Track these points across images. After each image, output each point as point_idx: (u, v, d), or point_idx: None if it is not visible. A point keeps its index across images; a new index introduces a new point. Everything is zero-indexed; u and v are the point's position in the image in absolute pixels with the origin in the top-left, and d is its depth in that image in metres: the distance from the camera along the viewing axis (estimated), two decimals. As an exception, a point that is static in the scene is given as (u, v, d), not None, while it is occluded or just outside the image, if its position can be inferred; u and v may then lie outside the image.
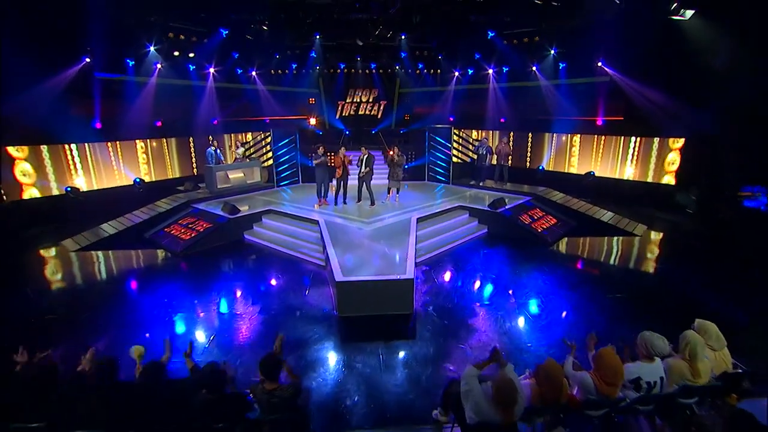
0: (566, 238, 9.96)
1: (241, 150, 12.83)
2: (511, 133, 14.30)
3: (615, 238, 9.87)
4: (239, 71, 14.57)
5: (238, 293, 7.11)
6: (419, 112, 17.41)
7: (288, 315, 6.35)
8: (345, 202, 11.17)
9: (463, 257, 8.72)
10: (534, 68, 13.46)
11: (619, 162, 12.57)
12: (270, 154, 13.71)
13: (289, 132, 13.34)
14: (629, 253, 9.09)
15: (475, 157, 13.15)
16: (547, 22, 11.12)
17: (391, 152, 10.95)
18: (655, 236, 9.93)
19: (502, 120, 14.97)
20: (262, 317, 6.26)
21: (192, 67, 12.98)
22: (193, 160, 13.80)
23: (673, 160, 11.72)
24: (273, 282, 7.66)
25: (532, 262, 8.35)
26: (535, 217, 10.45)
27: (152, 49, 11.46)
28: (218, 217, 9.98)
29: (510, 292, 7.05)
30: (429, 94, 16.98)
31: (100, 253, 8.95)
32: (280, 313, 6.38)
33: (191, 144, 13.70)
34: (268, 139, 14.21)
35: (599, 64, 11.90)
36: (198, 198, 11.52)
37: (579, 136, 13.24)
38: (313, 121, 17.33)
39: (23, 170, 10.47)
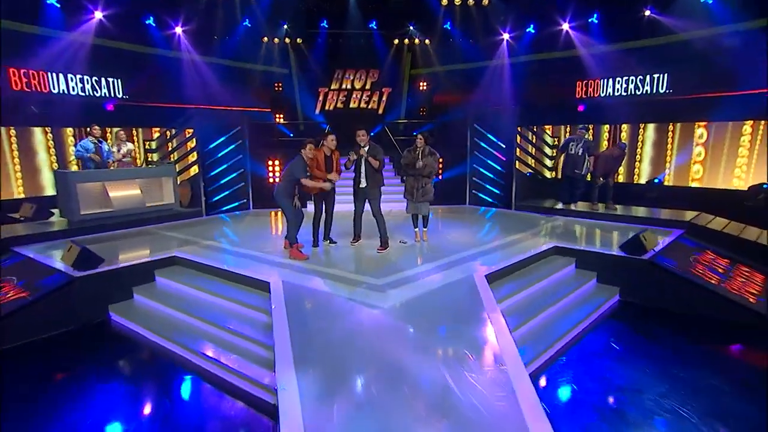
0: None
1: (125, 148, 8.74)
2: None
3: None
4: (149, 21, 10.54)
5: None
6: (442, 101, 13.93)
7: None
8: (330, 241, 6.96)
9: (611, 371, 4.39)
10: (648, 12, 9.69)
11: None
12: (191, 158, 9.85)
13: (231, 124, 9.83)
14: None
15: (559, 161, 9.31)
16: None
17: (418, 143, 6.75)
18: None
19: (580, 108, 11.23)
20: None
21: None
22: (17, 167, 9.37)
23: None
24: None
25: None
26: (719, 269, 6.23)
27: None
28: (53, 273, 5.56)
29: None
30: (459, 73, 13.44)
31: None
32: None
33: (12, 138, 9.32)
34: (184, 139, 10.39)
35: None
36: (34, 234, 7.13)
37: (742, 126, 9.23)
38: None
39: None
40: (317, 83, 14.21)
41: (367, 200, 6.65)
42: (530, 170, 10.47)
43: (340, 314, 4.49)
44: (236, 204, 9.97)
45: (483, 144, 10.10)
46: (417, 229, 7.17)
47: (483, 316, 4.36)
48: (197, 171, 9.59)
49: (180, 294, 5.76)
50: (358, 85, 14.49)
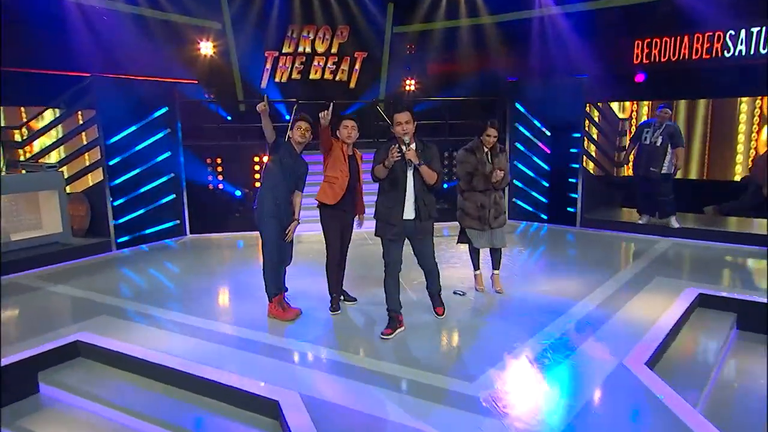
0: None
1: None
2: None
3: None
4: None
5: None
6: (438, 73, 13.23)
7: None
8: (346, 297, 5.32)
9: None
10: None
11: None
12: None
13: (153, 104, 8.46)
14: None
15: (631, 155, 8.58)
16: None
17: (487, 138, 5.18)
18: None
19: (639, 77, 10.30)
20: None
21: None
22: None
23: None
24: None
25: None
26: None
27: None
28: None
29: None
30: (466, 32, 12.52)
31: None
32: None
33: None
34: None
35: None
36: None
37: None
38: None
39: None
40: (263, 44, 13.09)
41: (412, 241, 4.52)
42: (601, 170, 9.63)
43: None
44: (165, 227, 8.63)
45: (529, 133, 9.02)
46: (478, 272, 5.62)
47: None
48: (100, 177, 7.96)
49: (88, 422, 3.69)
50: (320, 48, 13.53)
